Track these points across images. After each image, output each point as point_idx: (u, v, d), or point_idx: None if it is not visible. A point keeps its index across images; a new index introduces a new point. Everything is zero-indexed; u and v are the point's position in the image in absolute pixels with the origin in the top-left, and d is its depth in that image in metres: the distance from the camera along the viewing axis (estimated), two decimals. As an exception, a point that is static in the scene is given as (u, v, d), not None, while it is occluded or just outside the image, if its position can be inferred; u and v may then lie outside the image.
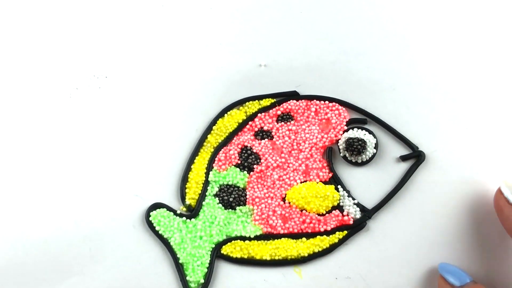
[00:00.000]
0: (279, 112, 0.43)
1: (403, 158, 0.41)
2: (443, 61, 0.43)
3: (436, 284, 0.39)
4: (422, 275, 0.39)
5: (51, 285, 0.39)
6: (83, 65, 0.44)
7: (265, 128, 0.42)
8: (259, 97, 0.43)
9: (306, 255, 0.39)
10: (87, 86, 0.44)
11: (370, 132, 0.41)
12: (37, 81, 0.44)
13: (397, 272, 0.39)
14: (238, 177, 0.41)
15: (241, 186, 0.41)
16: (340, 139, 0.42)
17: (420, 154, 0.41)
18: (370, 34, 0.45)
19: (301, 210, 0.40)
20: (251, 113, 0.43)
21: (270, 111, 0.43)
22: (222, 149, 0.42)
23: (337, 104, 0.43)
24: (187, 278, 0.39)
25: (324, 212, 0.40)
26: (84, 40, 0.44)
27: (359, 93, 0.43)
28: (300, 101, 0.43)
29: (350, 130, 0.42)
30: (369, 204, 0.41)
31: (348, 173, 0.42)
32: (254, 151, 0.42)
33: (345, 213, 0.40)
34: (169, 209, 0.41)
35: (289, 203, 0.41)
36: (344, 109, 0.42)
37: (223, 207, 0.41)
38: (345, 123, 0.42)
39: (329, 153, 0.42)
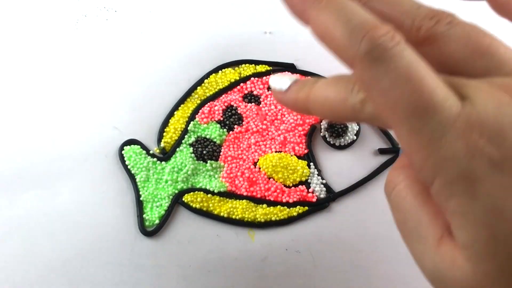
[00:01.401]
0: (272, 81, 0.43)
1: (381, 151, 0.41)
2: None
3: (381, 277, 0.39)
4: (370, 265, 0.39)
5: (13, 194, 0.40)
6: (96, -5, 0.45)
7: (255, 92, 0.43)
8: (256, 62, 0.44)
9: (262, 221, 0.40)
10: (95, 16, 0.45)
11: (355, 119, 0.41)
12: (49, 1, 0.45)
13: (347, 257, 0.39)
14: (216, 133, 0.42)
15: (218, 142, 0.42)
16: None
17: (398, 150, 0.41)
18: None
19: (269, 178, 0.41)
20: (245, 75, 0.44)
21: (264, 78, 0.43)
22: (208, 103, 0.42)
23: (330, 86, 0.43)
24: (144, 216, 0.40)
25: (291, 185, 0.41)
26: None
27: (353, 80, 0.43)
28: (295, 74, 0.43)
29: (337, 113, 0.42)
30: (337, 187, 0.41)
31: (324, 154, 0.42)
32: (238, 112, 0.42)
33: (310, 190, 0.41)
34: (143, 147, 0.41)
35: (259, 168, 0.41)
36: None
37: (195, 158, 0.41)
38: (334, 106, 0.42)
39: (310, 131, 0.42)
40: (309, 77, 0.40)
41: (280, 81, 0.27)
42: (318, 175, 0.41)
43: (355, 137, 0.41)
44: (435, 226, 0.25)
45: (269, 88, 0.43)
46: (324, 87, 0.26)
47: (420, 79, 0.23)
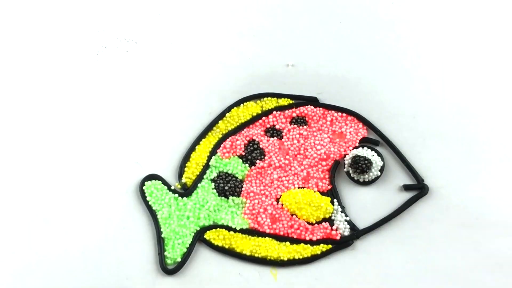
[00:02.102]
0: (294, 115, 0.43)
1: (406, 188, 0.41)
2: (470, 102, 0.42)
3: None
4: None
5: (34, 232, 0.39)
6: (116, 27, 0.45)
7: (277, 126, 0.42)
8: (278, 95, 0.43)
9: (285, 259, 0.39)
10: (115, 47, 0.45)
11: (379, 154, 0.41)
12: (69, 32, 0.45)
13: (371, 297, 0.39)
14: (238, 168, 0.41)
15: (240, 177, 0.41)
16: (348, 154, 0.41)
17: (424, 187, 0.40)
18: (403, 59, 0.44)
19: (292, 215, 0.40)
20: (267, 109, 0.43)
21: (286, 111, 0.43)
22: (230, 138, 0.42)
23: (355, 119, 0.42)
24: (165, 253, 0.39)
25: (314, 222, 0.40)
26: (121, 4, 0.45)
27: (378, 113, 0.43)
28: (317, 108, 0.43)
29: (360, 148, 0.41)
30: (361, 224, 0.40)
31: (347, 190, 0.41)
32: (261, 146, 0.42)
33: (334, 227, 0.40)
34: (164, 182, 0.41)
35: (282, 205, 0.40)
36: (362, 126, 0.42)
37: (216, 194, 0.41)
38: (358, 141, 0.42)
39: (334, 166, 0.41)
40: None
41: None
42: (342, 211, 0.40)
43: (379, 173, 0.41)
44: None
45: (291, 122, 0.42)
46: None
47: None
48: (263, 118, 0.43)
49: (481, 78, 0.44)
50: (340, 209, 0.40)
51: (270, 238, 0.40)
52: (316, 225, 0.40)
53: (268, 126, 0.43)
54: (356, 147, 0.42)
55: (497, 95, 0.43)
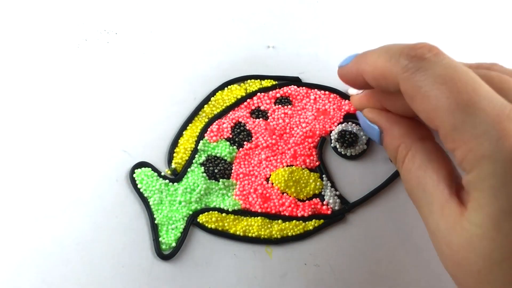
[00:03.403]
0: (278, 95, 0.43)
1: (392, 159, 0.41)
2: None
3: (402, 285, 0.39)
4: (390, 275, 0.39)
5: (25, 224, 0.39)
6: (96, 19, 0.45)
7: (262, 108, 0.43)
8: (261, 77, 0.44)
9: (279, 237, 0.40)
10: (96, 39, 0.45)
11: (364, 128, 0.41)
12: (49, 26, 0.45)
13: (366, 268, 0.39)
14: (227, 151, 0.41)
15: (228, 160, 0.41)
16: (333, 129, 0.42)
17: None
18: (381, 33, 0.45)
19: (282, 193, 0.40)
20: (251, 91, 0.43)
21: (270, 92, 0.43)
22: (216, 121, 0.42)
23: (338, 96, 0.43)
24: (160, 239, 0.39)
25: (305, 199, 0.40)
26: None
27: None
28: (300, 87, 0.43)
29: (345, 123, 0.42)
30: (352, 198, 0.41)
31: (335, 165, 0.42)
32: (247, 128, 0.42)
33: (325, 202, 0.40)
34: (154, 169, 0.41)
35: (272, 184, 0.41)
36: (345, 102, 0.43)
37: (206, 177, 0.41)
38: (342, 117, 0.42)
39: (320, 142, 0.42)
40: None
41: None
42: (331, 186, 0.41)
43: (365, 146, 0.41)
44: (438, 192, 0.27)
45: (275, 103, 0.43)
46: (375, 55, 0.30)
47: (460, 78, 0.24)
48: (248, 100, 0.43)
49: (466, 55, 0.44)
50: (329, 184, 0.41)
51: (262, 218, 0.40)
52: (307, 201, 0.41)
53: (253, 107, 0.43)
54: (341, 123, 0.42)
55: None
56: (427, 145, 0.32)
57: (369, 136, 0.38)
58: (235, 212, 0.40)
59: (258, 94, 0.43)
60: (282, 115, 0.42)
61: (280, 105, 0.43)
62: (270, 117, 0.43)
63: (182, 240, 0.39)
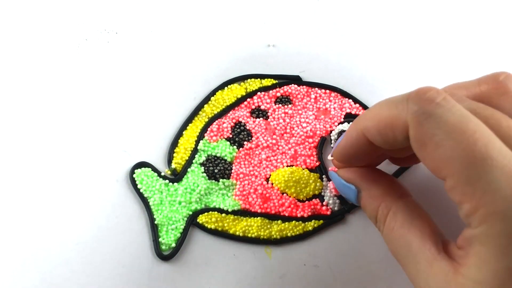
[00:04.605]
0: (278, 94, 0.43)
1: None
2: (453, 74, 0.43)
3: (401, 286, 0.39)
4: (389, 275, 0.39)
5: (26, 225, 0.40)
6: (96, 18, 0.45)
7: (262, 107, 0.43)
8: (262, 76, 0.44)
9: (278, 237, 0.40)
10: (96, 39, 0.44)
11: (365, 128, 0.41)
12: (49, 26, 0.45)
13: (366, 268, 0.39)
14: (227, 151, 0.41)
15: (228, 159, 0.41)
16: (334, 129, 0.42)
17: (410, 158, 0.40)
18: (382, 33, 0.45)
19: (282, 193, 0.40)
20: (251, 90, 0.43)
21: (270, 91, 0.43)
22: (216, 121, 0.42)
23: (339, 95, 0.43)
24: (160, 239, 0.39)
25: (304, 199, 0.40)
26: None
27: (361, 88, 0.43)
28: (301, 86, 0.43)
29: (346, 123, 0.42)
30: (351, 198, 0.41)
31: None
32: (247, 128, 0.42)
33: (324, 203, 0.40)
34: (154, 169, 0.41)
35: (272, 184, 0.41)
36: (349, 101, 0.42)
37: (206, 177, 0.41)
38: (343, 116, 0.42)
39: (321, 142, 0.42)
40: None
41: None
42: (331, 187, 0.41)
43: (366, 147, 0.41)
44: (425, 250, 0.27)
45: (276, 102, 0.43)
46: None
47: (474, 130, 0.24)
48: (248, 99, 0.43)
49: (465, 51, 0.44)
50: (329, 185, 0.41)
51: (262, 218, 0.40)
52: (306, 202, 0.40)
53: (253, 107, 0.43)
54: (342, 123, 0.42)
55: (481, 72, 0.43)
56: (407, 203, 0.31)
57: (344, 196, 0.37)
58: (235, 213, 0.40)
59: (258, 93, 0.43)
60: (283, 115, 0.42)
61: (280, 104, 0.43)
62: (270, 117, 0.42)
63: (182, 241, 0.40)
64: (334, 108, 0.43)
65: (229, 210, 0.40)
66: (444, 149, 0.25)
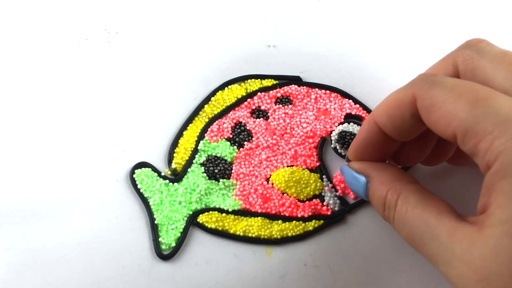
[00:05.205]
0: (278, 94, 0.43)
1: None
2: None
3: (402, 286, 0.39)
4: (389, 275, 0.39)
5: (26, 225, 0.39)
6: (96, 18, 0.45)
7: (262, 107, 0.43)
8: (262, 77, 0.44)
9: (278, 237, 0.39)
10: (96, 39, 0.44)
11: (365, 129, 0.41)
12: (49, 26, 0.45)
13: (366, 268, 0.39)
14: (227, 151, 0.41)
15: (229, 160, 0.41)
16: (334, 130, 0.42)
17: (410, 158, 0.40)
18: (382, 33, 0.45)
19: (282, 193, 0.40)
20: (251, 90, 0.43)
21: (270, 92, 0.43)
22: (217, 121, 0.42)
23: (339, 95, 0.43)
24: (160, 239, 0.39)
25: (305, 199, 0.40)
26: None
27: (361, 89, 0.43)
28: (301, 87, 0.43)
29: (346, 124, 0.42)
30: (352, 199, 0.41)
31: (336, 166, 0.42)
32: (247, 128, 0.42)
33: (325, 203, 0.40)
34: (154, 170, 0.41)
35: (272, 184, 0.41)
36: (349, 101, 0.43)
37: (207, 177, 0.41)
38: (343, 117, 0.42)
39: (321, 143, 0.42)
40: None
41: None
42: (332, 187, 0.41)
43: (366, 147, 0.41)
44: (444, 220, 0.27)
45: (276, 102, 0.43)
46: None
47: (472, 83, 0.27)
48: (248, 100, 0.43)
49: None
50: (330, 185, 0.41)
51: (262, 218, 0.40)
52: (307, 202, 0.40)
53: (253, 107, 0.43)
54: (342, 123, 0.42)
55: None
56: (418, 187, 0.31)
57: (353, 190, 0.36)
58: (235, 212, 0.40)
59: (259, 93, 0.43)
60: (283, 115, 0.42)
61: (280, 105, 0.43)
62: (270, 117, 0.42)
63: (182, 240, 0.39)
64: (334, 108, 0.43)
65: (230, 210, 0.40)
66: (450, 101, 0.27)
